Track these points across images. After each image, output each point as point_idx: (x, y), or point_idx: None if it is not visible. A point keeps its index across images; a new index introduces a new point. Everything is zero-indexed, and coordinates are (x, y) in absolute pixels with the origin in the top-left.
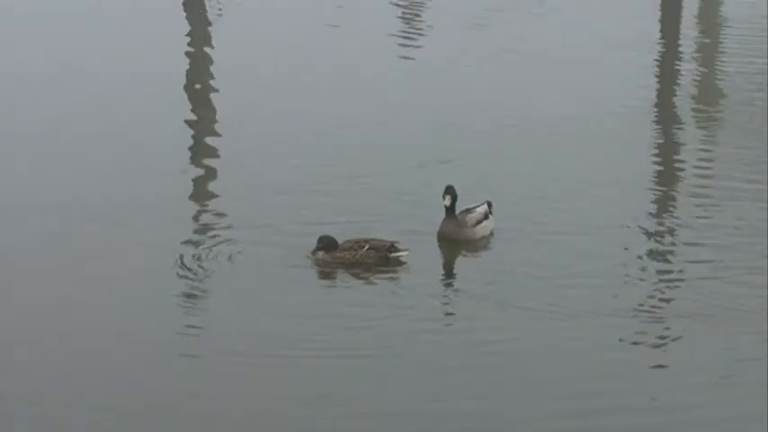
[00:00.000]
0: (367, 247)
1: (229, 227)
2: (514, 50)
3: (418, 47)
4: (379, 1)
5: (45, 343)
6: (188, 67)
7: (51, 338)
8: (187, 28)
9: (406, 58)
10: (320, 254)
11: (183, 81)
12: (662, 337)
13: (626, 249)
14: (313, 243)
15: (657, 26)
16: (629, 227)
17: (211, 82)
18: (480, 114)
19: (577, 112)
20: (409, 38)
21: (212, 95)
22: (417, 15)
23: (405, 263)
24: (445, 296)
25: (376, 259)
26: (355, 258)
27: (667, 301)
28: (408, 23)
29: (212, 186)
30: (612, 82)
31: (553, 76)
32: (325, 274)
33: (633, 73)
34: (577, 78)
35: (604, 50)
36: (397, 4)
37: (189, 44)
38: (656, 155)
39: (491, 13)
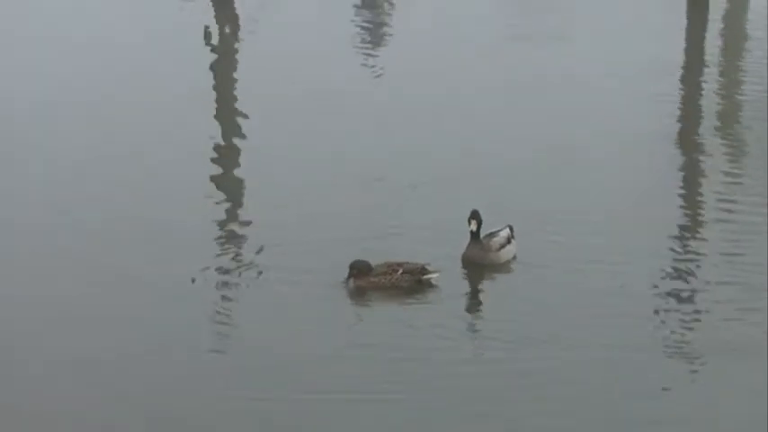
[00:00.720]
0: (401, 271)
1: (256, 249)
2: (527, 77)
3: (426, 74)
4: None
5: (70, 360)
6: (214, 84)
7: (74, 356)
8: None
9: (416, 83)
10: (352, 280)
11: (206, 100)
12: (694, 373)
13: (649, 279)
14: (342, 264)
15: (673, 53)
16: (658, 254)
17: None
18: (493, 139)
19: (594, 138)
20: (415, 64)
21: (237, 115)
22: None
23: (436, 285)
24: (476, 328)
25: (411, 282)
26: (390, 282)
27: (695, 336)
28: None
29: (236, 207)
30: (629, 108)
31: (567, 102)
32: (356, 301)
33: (650, 100)
34: (592, 105)
35: (621, 77)
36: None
37: (215, 62)
38: (679, 184)
39: (503, 41)
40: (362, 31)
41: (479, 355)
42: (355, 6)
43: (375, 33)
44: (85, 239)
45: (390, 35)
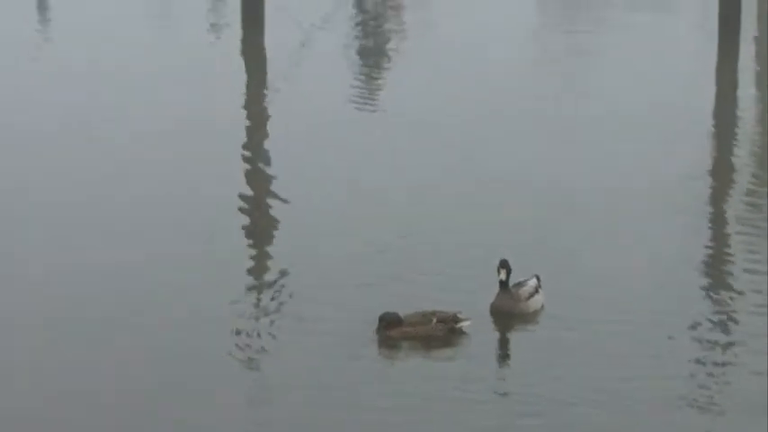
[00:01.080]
0: (435, 320)
1: (283, 299)
2: (550, 116)
3: (448, 112)
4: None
5: (96, 418)
6: (246, 126)
7: (102, 417)
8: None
9: (438, 123)
10: (383, 332)
11: (236, 143)
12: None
13: (673, 337)
14: (367, 310)
15: (703, 103)
16: (684, 310)
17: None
18: (513, 182)
19: (619, 185)
20: (438, 103)
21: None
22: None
23: (467, 333)
24: (504, 391)
25: (445, 331)
26: (426, 332)
27: (723, 393)
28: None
29: (267, 252)
30: (655, 158)
31: (591, 149)
32: (384, 355)
33: (679, 150)
34: (618, 152)
35: (649, 126)
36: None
37: (245, 106)
38: (706, 242)
39: (525, 88)
40: (367, 80)
41: (507, 421)
42: (360, 54)
43: (376, 84)
44: (115, 275)
45: (393, 85)
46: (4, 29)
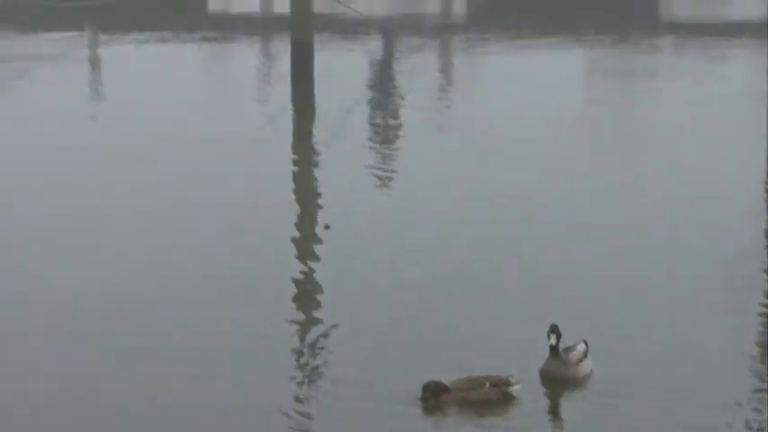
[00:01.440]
0: (488, 384)
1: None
2: (599, 185)
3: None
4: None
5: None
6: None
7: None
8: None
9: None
10: (432, 401)
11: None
12: None
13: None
14: (411, 374)
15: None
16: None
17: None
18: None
19: (669, 251)
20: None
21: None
22: None
23: (517, 397)
24: None
25: (499, 395)
26: (480, 396)
27: None
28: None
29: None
30: (709, 226)
31: (640, 214)
32: (434, 421)
33: (734, 216)
34: (670, 218)
35: (704, 191)
36: None
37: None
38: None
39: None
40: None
41: None
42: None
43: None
44: (158, 317)
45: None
46: (58, 104)
